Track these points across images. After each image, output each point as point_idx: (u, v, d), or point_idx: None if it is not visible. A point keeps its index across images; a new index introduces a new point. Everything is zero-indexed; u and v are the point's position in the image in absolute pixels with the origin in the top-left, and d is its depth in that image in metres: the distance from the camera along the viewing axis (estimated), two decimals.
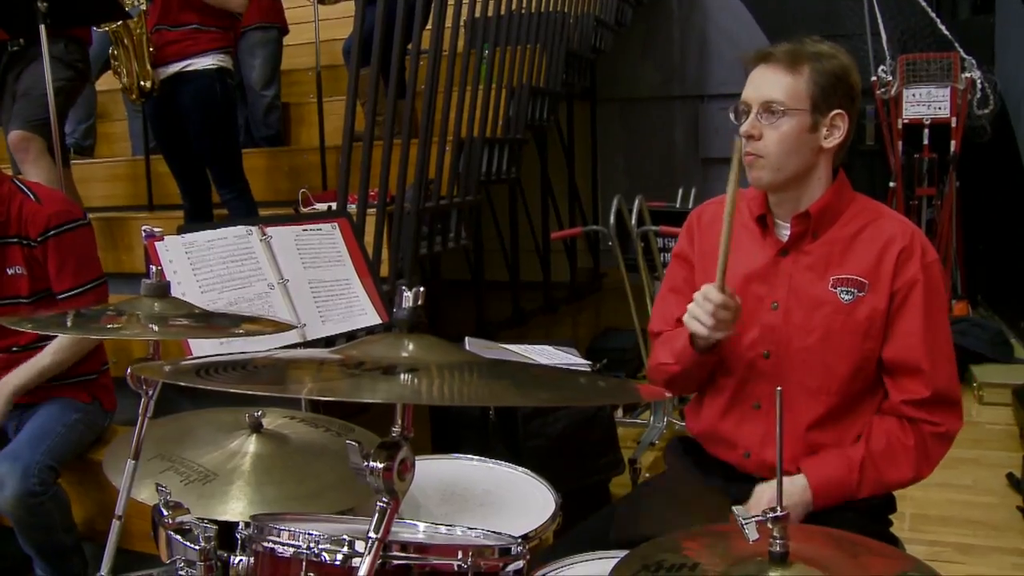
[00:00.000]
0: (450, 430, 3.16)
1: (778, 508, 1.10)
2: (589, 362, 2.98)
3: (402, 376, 0.95)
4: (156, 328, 1.47)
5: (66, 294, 2.58)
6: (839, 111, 1.69)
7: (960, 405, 1.74)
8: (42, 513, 2.44)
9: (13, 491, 2.39)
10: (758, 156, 1.70)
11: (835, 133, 1.70)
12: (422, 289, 1.02)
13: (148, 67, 3.55)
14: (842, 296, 1.70)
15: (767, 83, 1.69)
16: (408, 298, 1.02)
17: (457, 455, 2.12)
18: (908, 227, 1.72)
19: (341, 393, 0.89)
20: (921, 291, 1.68)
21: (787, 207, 1.75)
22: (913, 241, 1.69)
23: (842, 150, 1.74)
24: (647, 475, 3.67)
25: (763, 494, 1.70)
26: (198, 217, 3.79)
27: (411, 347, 1.02)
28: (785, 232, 1.76)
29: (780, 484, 1.14)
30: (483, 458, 2.09)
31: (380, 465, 0.97)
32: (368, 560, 0.97)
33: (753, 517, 1.13)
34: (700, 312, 1.66)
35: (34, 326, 1.52)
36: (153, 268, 1.54)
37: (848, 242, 1.72)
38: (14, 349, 2.63)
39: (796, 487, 1.70)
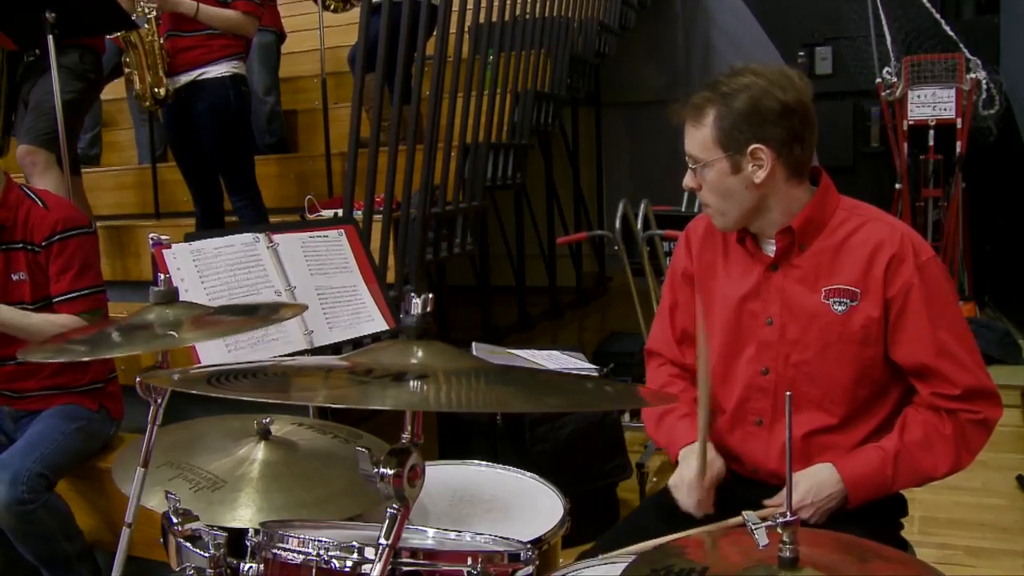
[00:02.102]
0: (457, 436, 3.16)
1: (788, 512, 1.10)
2: (597, 367, 2.98)
3: (411, 383, 0.95)
4: (176, 335, 1.47)
5: (61, 297, 2.57)
6: (756, 145, 1.64)
7: (997, 393, 1.70)
8: (34, 521, 2.43)
9: (2, 500, 2.37)
10: (706, 204, 1.75)
11: (761, 166, 1.65)
12: (431, 296, 1.02)
13: (161, 74, 3.57)
14: (835, 307, 1.68)
15: (687, 138, 1.72)
16: (417, 305, 1.02)
17: (465, 461, 2.12)
18: (896, 229, 1.69)
19: (351, 401, 0.89)
20: (920, 293, 1.65)
21: (763, 229, 1.75)
22: (903, 245, 1.66)
23: (802, 165, 1.69)
24: (654, 479, 3.66)
25: (799, 482, 1.68)
26: (210, 224, 3.81)
27: (420, 354, 1.02)
28: (771, 247, 1.75)
29: (789, 491, 1.14)
30: (491, 463, 2.09)
31: (390, 471, 0.97)
32: (379, 567, 0.97)
33: (763, 523, 1.13)
34: (681, 498, 1.75)
35: (65, 355, 1.48)
36: (161, 276, 1.54)
37: (836, 251, 1.70)
38: (20, 360, 2.63)
39: (831, 477, 1.68)
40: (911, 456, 1.67)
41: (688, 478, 1.72)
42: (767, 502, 1.71)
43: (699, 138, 1.69)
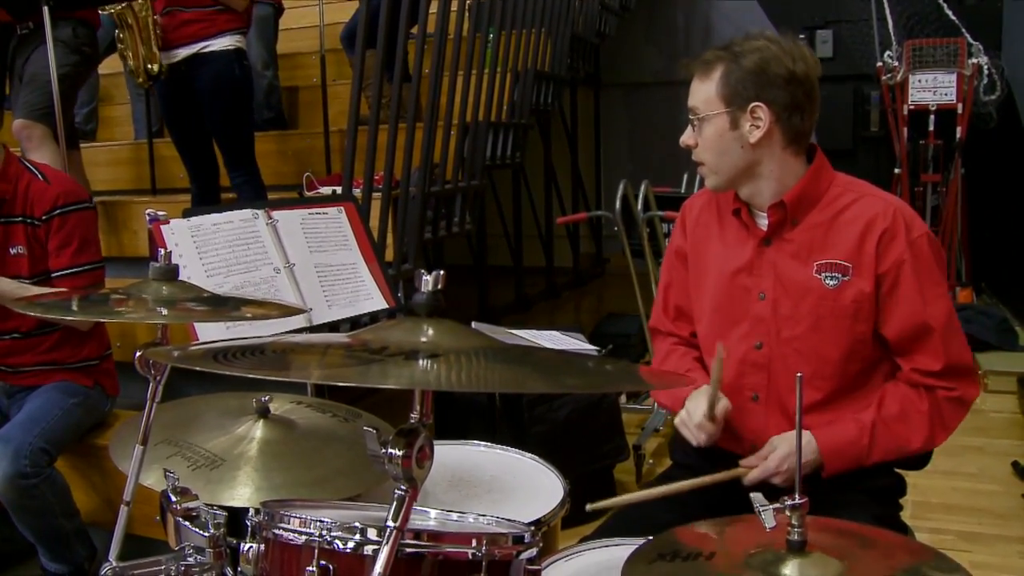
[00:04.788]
0: (455, 416, 3.15)
1: (796, 496, 1.09)
2: (596, 348, 2.97)
3: (421, 361, 0.93)
4: (165, 311, 1.45)
5: (61, 272, 2.56)
6: (757, 103, 1.66)
7: (975, 373, 1.73)
8: (35, 496, 2.42)
9: (4, 473, 2.37)
10: (699, 163, 1.76)
11: (758, 125, 1.67)
12: (442, 273, 1.00)
13: (155, 50, 3.53)
14: (827, 281, 1.69)
15: (691, 92, 1.74)
16: (427, 282, 1.00)
17: (464, 441, 2.11)
18: (890, 205, 1.70)
19: (361, 379, 0.87)
20: (911, 269, 1.66)
21: (757, 200, 1.75)
22: (895, 220, 1.67)
23: (800, 136, 1.70)
24: (650, 462, 3.66)
25: (780, 446, 1.70)
26: (206, 201, 3.78)
27: (431, 332, 1.00)
28: (765, 222, 1.75)
29: (799, 470, 1.13)
30: (490, 444, 2.08)
31: (399, 452, 0.95)
32: (387, 549, 0.95)
33: (771, 505, 1.12)
34: (689, 433, 1.75)
35: (41, 310, 1.50)
36: (161, 251, 1.52)
37: (829, 226, 1.71)
38: (15, 335, 2.61)
39: (808, 445, 1.69)
40: (887, 428, 1.69)
41: (696, 415, 1.73)
42: (743, 462, 1.74)
43: (704, 92, 1.71)
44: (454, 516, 1.39)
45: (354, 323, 2.47)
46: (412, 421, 0.97)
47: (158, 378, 1.53)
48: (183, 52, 3.55)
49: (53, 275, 2.57)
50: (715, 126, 1.70)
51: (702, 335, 1.87)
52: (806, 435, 1.70)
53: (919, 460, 1.87)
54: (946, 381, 1.69)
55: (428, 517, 1.39)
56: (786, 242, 1.73)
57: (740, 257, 1.78)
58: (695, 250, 1.87)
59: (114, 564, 1.41)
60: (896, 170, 5.78)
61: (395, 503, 0.97)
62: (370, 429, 0.95)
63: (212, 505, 1.40)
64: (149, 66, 3.53)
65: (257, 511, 1.26)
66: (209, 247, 2.14)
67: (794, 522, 1.09)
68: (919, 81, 5.67)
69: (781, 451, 1.69)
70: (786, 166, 1.71)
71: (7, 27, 3.49)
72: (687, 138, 1.76)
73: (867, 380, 1.74)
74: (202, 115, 3.62)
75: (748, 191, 1.75)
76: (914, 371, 1.70)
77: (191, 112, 3.65)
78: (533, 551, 1.20)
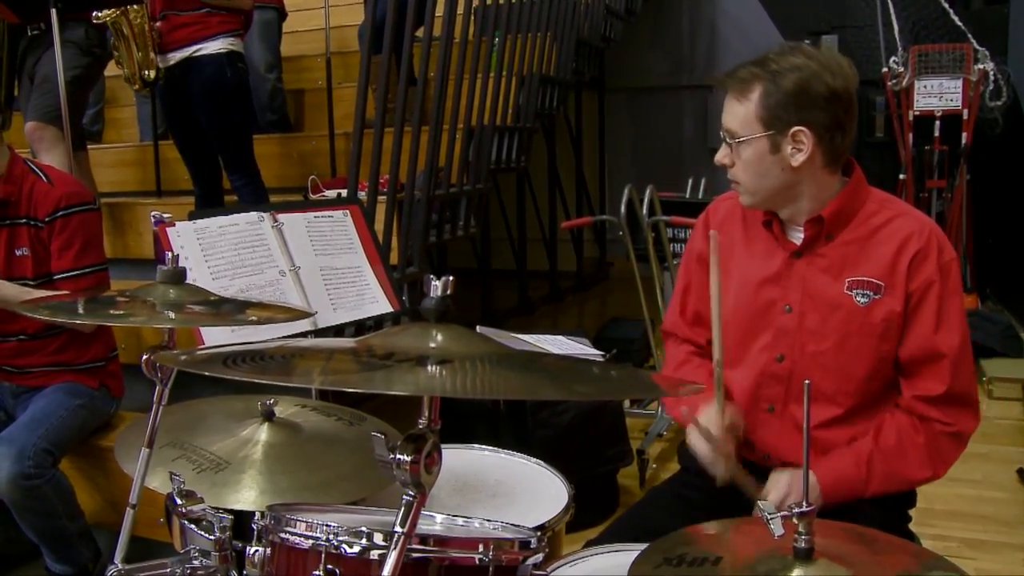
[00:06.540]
0: (459, 420, 3.15)
1: (804, 503, 1.09)
2: (601, 353, 2.97)
3: (430, 367, 0.93)
4: (172, 315, 1.45)
5: (64, 275, 2.56)
6: (799, 127, 1.61)
7: (976, 405, 1.71)
8: (39, 497, 2.43)
9: (7, 473, 2.37)
10: (735, 182, 1.71)
11: (800, 149, 1.63)
12: (451, 278, 1.00)
13: (152, 55, 3.53)
14: (858, 299, 1.67)
15: (726, 111, 1.68)
16: (437, 287, 1.00)
17: (469, 445, 2.11)
18: (925, 225, 1.67)
19: (371, 385, 0.87)
20: (937, 292, 1.64)
21: (792, 216, 1.73)
22: (930, 241, 1.65)
23: (839, 154, 1.67)
24: (654, 466, 3.65)
25: (779, 479, 1.68)
26: (209, 203, 3.78)
27: (440, 338, 1.00)
28: (798, 235, 1.73)
29: (807, 478, 1.13)
30: (494, 448, 2.08)
31: (407, 458, 0.95)
32: (395, 555, 0.95)
33: (779, 513, 1.12)
34: (702, 453, 1.69)
35: (47, 313, 1.50)
36: (168, 254, 1.52)
37: (863, 243, 1.68)
38: (21, 337, 2.62)
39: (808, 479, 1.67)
40: (884, 460, 1.67)
41: (707, 432, 1.68)
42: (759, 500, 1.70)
43: (741, 113, 1.65)
44: (460, 521, 1.39)
45: (359, 326, 2.47)
46: (420, 427, 0.97)
47: (164, 381, 1.53)
48: (178, 56, 3.56)
49: (55, 277, 2.56)
50: (755, 149, 1.65)
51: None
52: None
53: None
54: (945, 414, 1.66)
55: (434, 522, 1.39)
56: (819, 256, 1.71)
57: (768, 268, 1.75)
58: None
59: (120, 567, 1.41)
60: (901, 176, 5.77)
61: (403, 509, 0.97)
62: (378, 435, 0.95)
63: (217, 508, 1.40)
64: (145, 72, 3.54)
65: (263, 515, 1.26)
66: (215, 250, 2.14)
67: (801, 529, 1.09)
68: (924, 87, 5.65)
69: (783, 483, 1.67)
70: (824, 184, 1.68)
71: (17, 28, 3.50)
72: (723, 157, 1.70)
73: (884, 398, 1.72)
74: (199, 118, 3.63)
75: (788, 212, 1.72)
76: (915, 398, 1.68)
77: (189, 115, 3.65)
78: (539, 556, 1.20)
